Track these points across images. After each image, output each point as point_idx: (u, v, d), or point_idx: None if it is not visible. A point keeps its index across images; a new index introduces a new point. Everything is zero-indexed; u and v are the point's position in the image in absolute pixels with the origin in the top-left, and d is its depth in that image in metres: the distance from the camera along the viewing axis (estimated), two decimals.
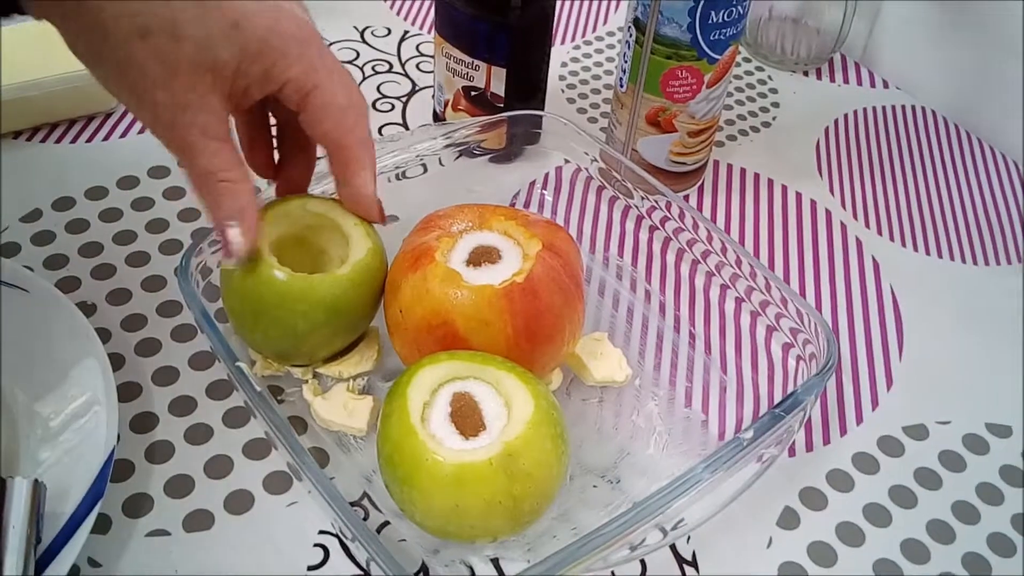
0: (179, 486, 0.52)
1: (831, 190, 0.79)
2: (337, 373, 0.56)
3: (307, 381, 0.56)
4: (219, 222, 0.49)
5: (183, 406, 0.56)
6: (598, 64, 0.92)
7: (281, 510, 0.52)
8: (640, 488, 0.54)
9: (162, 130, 0.47)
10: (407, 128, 0.81)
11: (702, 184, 0.77)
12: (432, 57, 0.75)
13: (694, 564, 0.52)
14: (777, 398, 0.57)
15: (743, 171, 0.80)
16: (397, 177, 0.64)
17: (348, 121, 0.51)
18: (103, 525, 0.50)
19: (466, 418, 0.47)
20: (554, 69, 0.88)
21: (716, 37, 0.65)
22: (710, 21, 0.64)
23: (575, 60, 0.93)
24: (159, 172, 0.72)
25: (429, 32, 0.94)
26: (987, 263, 0.74)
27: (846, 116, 0.88)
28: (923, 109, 0.90)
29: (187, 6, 0.44)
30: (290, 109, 0.51)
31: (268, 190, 0.57)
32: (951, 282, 0.72)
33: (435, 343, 0.51)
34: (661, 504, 0.45)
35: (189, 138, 0.46)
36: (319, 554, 0.50)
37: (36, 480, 0.46)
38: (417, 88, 0.86)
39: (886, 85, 0.93)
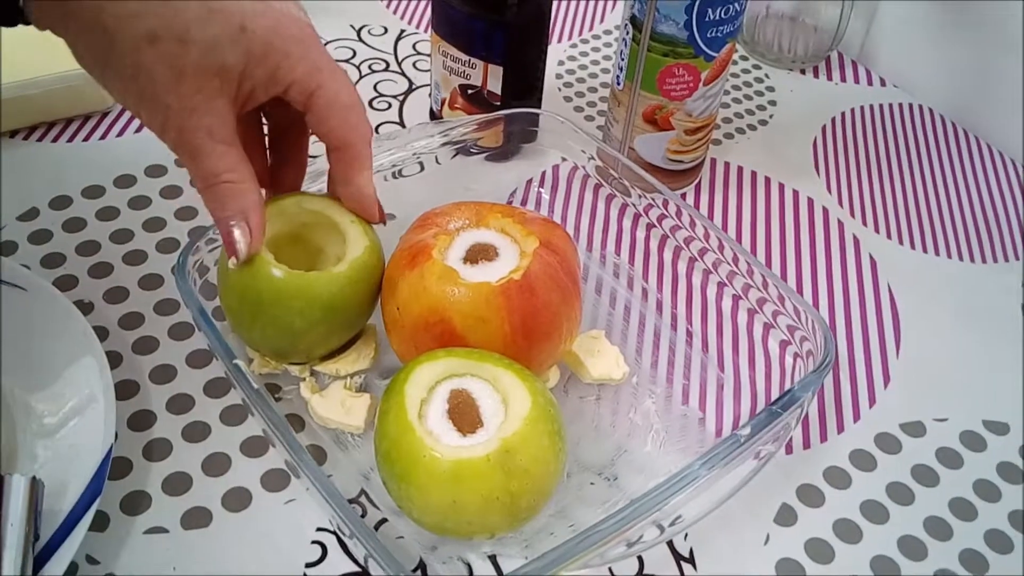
0: (177, 484, 0.52)
1: (828, 188, 0.79)
2: (334, 371, 0.56)
3: (304, 379, 0.56)
4: (224, 222, 0.49)
5: (181, 404, 0.56)
6: (595, 63, 0.93)
7: (279, 507, 0.52)
8: (637, 485, 0.54)
9: (171, 134, 0.47)
10: (404, 127, 0.81)
11: (699, 182, 0.78)
12: (429, 56, 0.75)
13: (691, 561, 0.52)
14: (774, 395, 0.57)
15: (740, 169, 0.80)
16: (394, 175, 0.64)
17: (352, 119, 0.51)
18: (101, 522, 0.50)
19: (463, 415, 0.47)
20: (551, 68, 0.88)
21: (713, 34, 0.65)
22: (707, 18, 0.64)
23: (571, 59, 0.93)
24: (156, 171, 0.72)
25: (425, 31, 0.94)
26: (984, 261, 0.74)
27: (843, 114, 0.89)
28: (920, 107, 0.90)
29: (193, 9, 0.44)
30: (287, 112, 0.51)
31: None
32: (948, 279, 0.72)
33: (432, 340, 0.51)
34: (658, 501, 0.45)
35: (196, 141, 0.46)
36: (317, 551, 0.50)
37: (34, 477, 0.46)
38: (414, 87, 0.86)
39: (883, 83, 0.93)
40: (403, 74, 0.88)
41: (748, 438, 0.48)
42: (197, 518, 0.51)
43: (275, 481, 0.53)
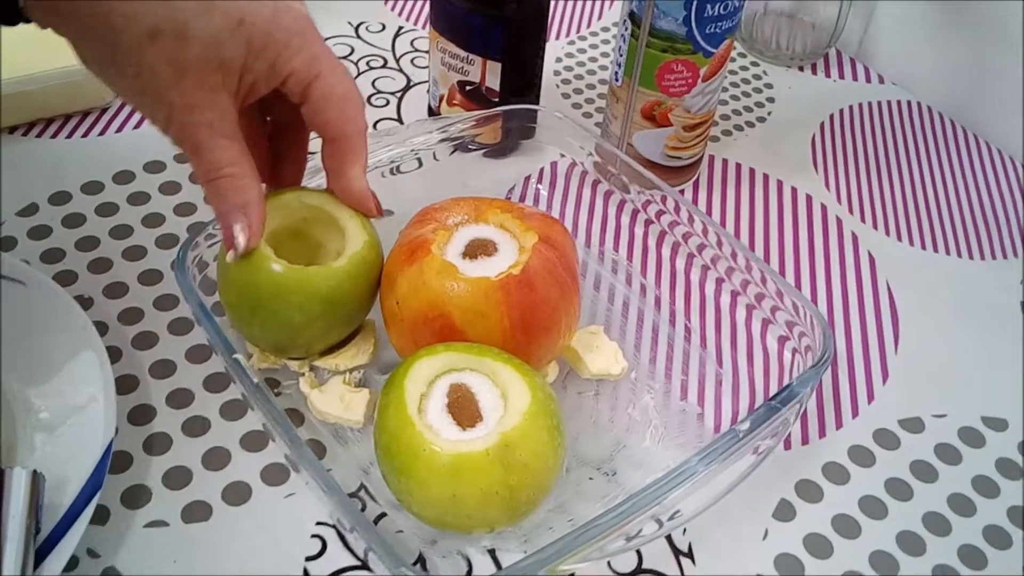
0: (177, 478, 0.52)
1: (827, 185, 0.79)
2: (333, 366, 0.56)
3: (304, 374, 0.56)
4: (224, 216, 0.49)
5: (181, 398, 0.56)
6: (593, 59, 0.93)
7: (279, 501, 0.52)
8: (636, 480, 0.54)
9: (173, 129, 0.47)
10: (402, 123, 0.81)
11: (697, 179, 0.78)
12: (427, 52, 0.75)
13: (690, 556, 0.52)
14: (773, 391, 0.56)
15: (738, 166, 0.80)
16: (392, 171, 0.64)
17: (349, 111, 0.51)
18: (102, 516, 0.50)
19: (463, 409, 0.47)
20: (549, 64, 0.89)
21: (712, 30, 0.65)
22: (706, 14, 0.64)
23: (570, 55, 0.93)
24: (155, 167, 0.73)
25: (424, 27, 0.94)
26: (983, 257, 0.74)
27: (841, 111, 0.89)
28: (919, 104, 0.90)
29: (191, 5, 0.44)
30: (288, 105, 0.51)
31: None
32: (947, 276, 0.72)
33: (432, 335, 0.51)
34: (657, 496, 0.46)
35: (198, 136, 0.47)
36: (317, 545, 0.50)
37: (35, 471, 0.46)
38: (412, 83, 0.86)
39: (881, 80, 0.94)
40: (401, 71, 0.88)
41: (747, 433, 0.48)
42: (197, 512, 0.51)
43: (275, 475, 0.53)
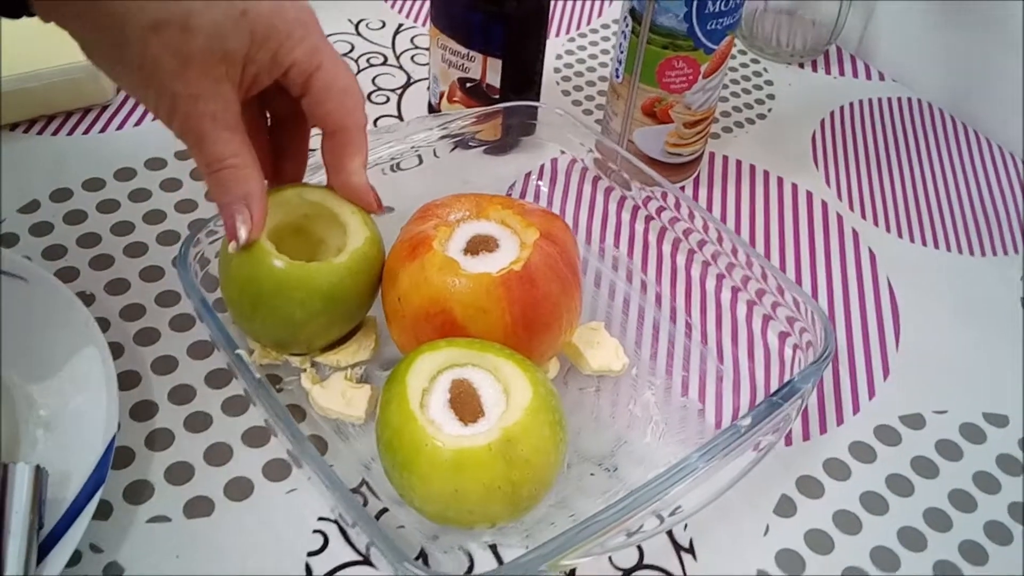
0: (179, 473, 0.53)
1: (827, 182, 0.79)
2: (335, 362, 0.57)
3: (305, 370, 0.56)
4: (226, 207, 0.49)
5: (182, 394, 0.56)
6: (593, 56, 0.93)
7: (280, 497, 0.52)
8: (637, 476, 0.54)
9: (176, 121, 0.47)
10: (402, 120, 0.81)
11: (698, 176, 0.78)
12: (427, 50, 0.75)
13: (691, 551, 0.52)
14: (774, 387, 0.57)
15: (739, 163, 0.80)
16: (392, 168, 0.64)
17: (349, 103, 0.51)
18: (104, 511, 0.50)
19: (465, 404, 0.47)
20: (549, 61, 0.89)
21: (712, 27, 0.65)
22: (707, 10, 0.64)
23: (570, 52, 0.93)
24: (156, 164, 0.73)
25: (424, 25, 0.94)
26: (983, 254, 0.74)
27: (842, 108, 0.89)
28: (919, 101, 0.90)
29: None
30: (289, 100, 0.51)
31: None
32: (948, 273, 0.72)
33: (433, 331, 0.51)
34: (658, 491, 0.46)
35: (201, 127, 0.47)
36: (318, 540, 0.51)
37: (38, 466, 0.46)
38: (412, 80, 0.86)
39: (882, 77, 0.94)
40: (401, 68, 0.88)
41: (748, 429, 0.48)
42: (199, 507, 0.51)
43: (276, 471, 0.53)
